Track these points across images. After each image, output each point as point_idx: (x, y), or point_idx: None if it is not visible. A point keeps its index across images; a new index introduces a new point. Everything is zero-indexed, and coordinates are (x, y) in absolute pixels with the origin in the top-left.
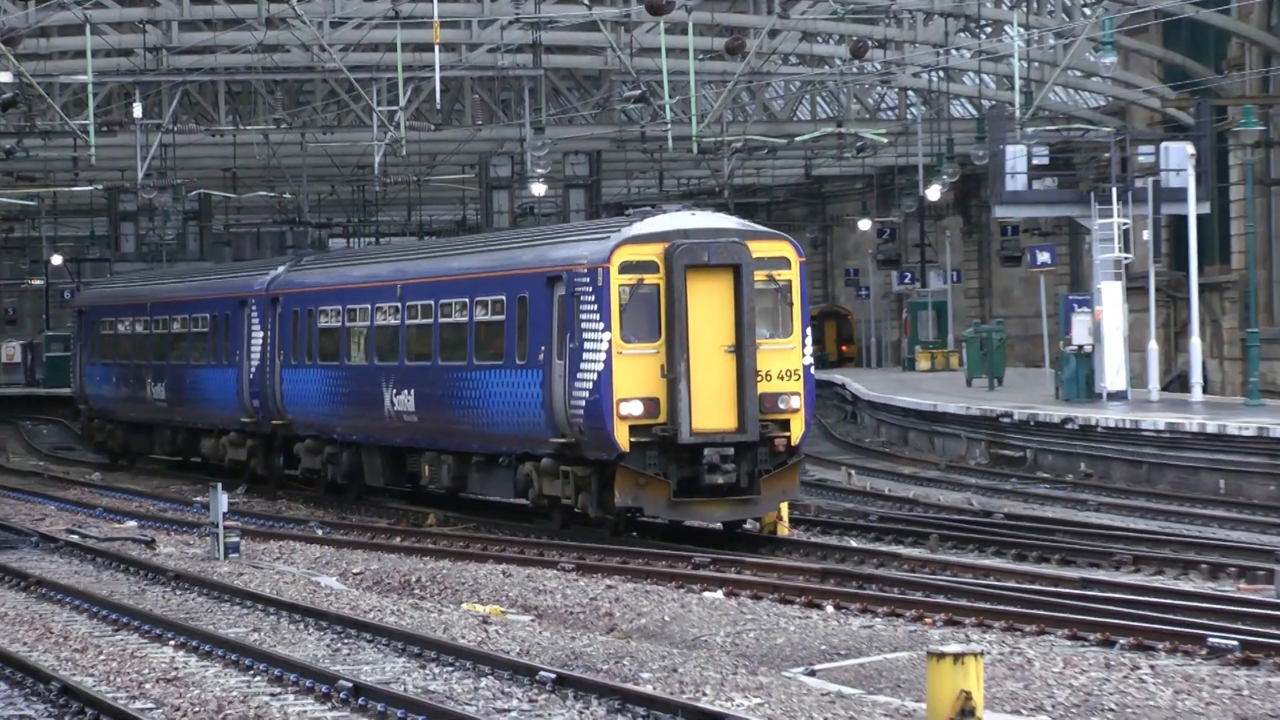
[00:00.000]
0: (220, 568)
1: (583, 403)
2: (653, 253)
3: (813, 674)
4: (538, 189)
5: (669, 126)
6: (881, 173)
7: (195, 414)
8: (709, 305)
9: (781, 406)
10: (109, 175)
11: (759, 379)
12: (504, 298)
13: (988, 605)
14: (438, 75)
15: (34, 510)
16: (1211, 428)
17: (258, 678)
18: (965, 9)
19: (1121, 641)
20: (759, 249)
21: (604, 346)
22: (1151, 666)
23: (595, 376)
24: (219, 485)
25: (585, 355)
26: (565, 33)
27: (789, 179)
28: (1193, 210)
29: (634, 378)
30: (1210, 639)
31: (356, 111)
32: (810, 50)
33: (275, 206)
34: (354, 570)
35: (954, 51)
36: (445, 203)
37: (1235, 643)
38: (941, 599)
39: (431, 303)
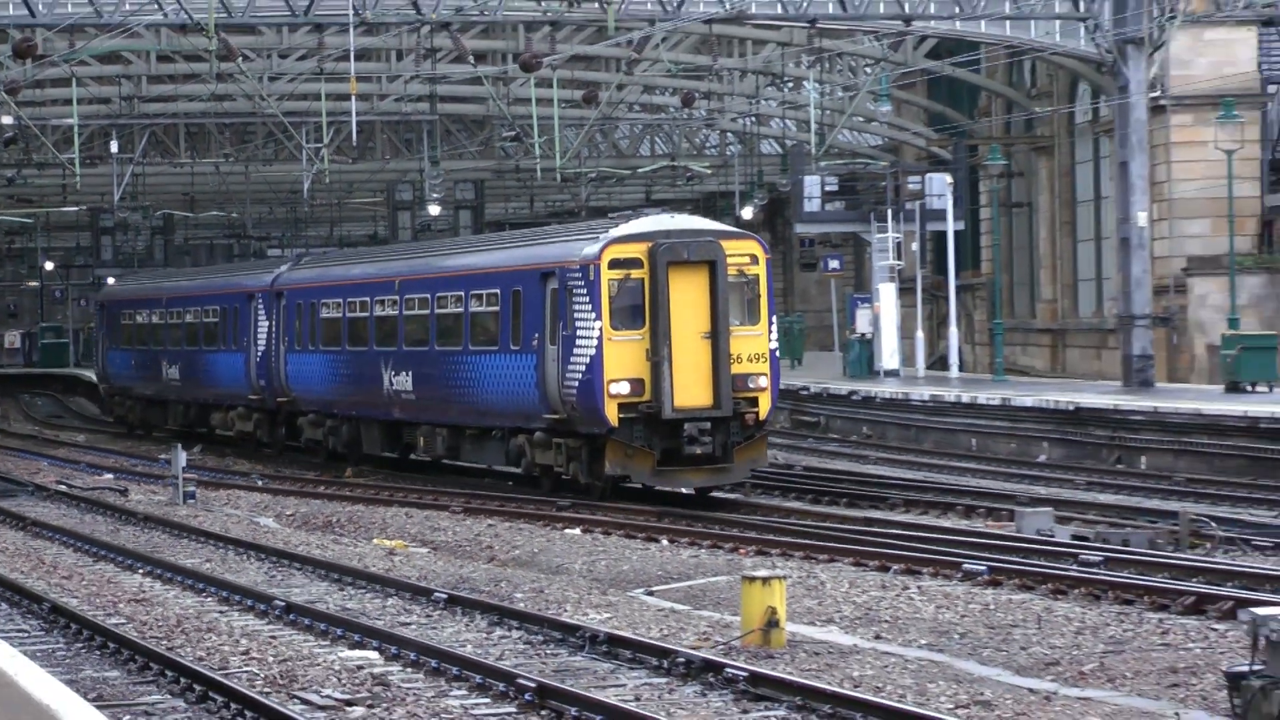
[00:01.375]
0: (179, 511)
1: (576, 383)
2: (638, 250)
3: (651, 594)
4: (434, 210)
5: (538, 160)
6: (706, 197)
7: (206, 392)
8: (688, 297)
9: (751, 386)
10: (91, 198)
11: (731, 361)
12: (498, 291)
13: (789, 539)
14: (354, 119)
15: (30, 465)
16: (966, 398)
17: (209, 598)
18: (772, 68)
19: (895, 567)
20: (731, 247)
21: (595, 333)
22: (919, 587)
23: (588, 360)
24: (179, 445)
25: (578, 341)
26: (456, 86)
27: (633, 202)
28: (950, 227)
29: (622, 361)
30: (965, 565)
31: (289, 148)
32: (650, 100)
33: (225, 223)
34: (287, 513)
35: (763, 101)
36: (360, 220)
37: (984, 568)
38: (753, 534)
39: (428, 295)
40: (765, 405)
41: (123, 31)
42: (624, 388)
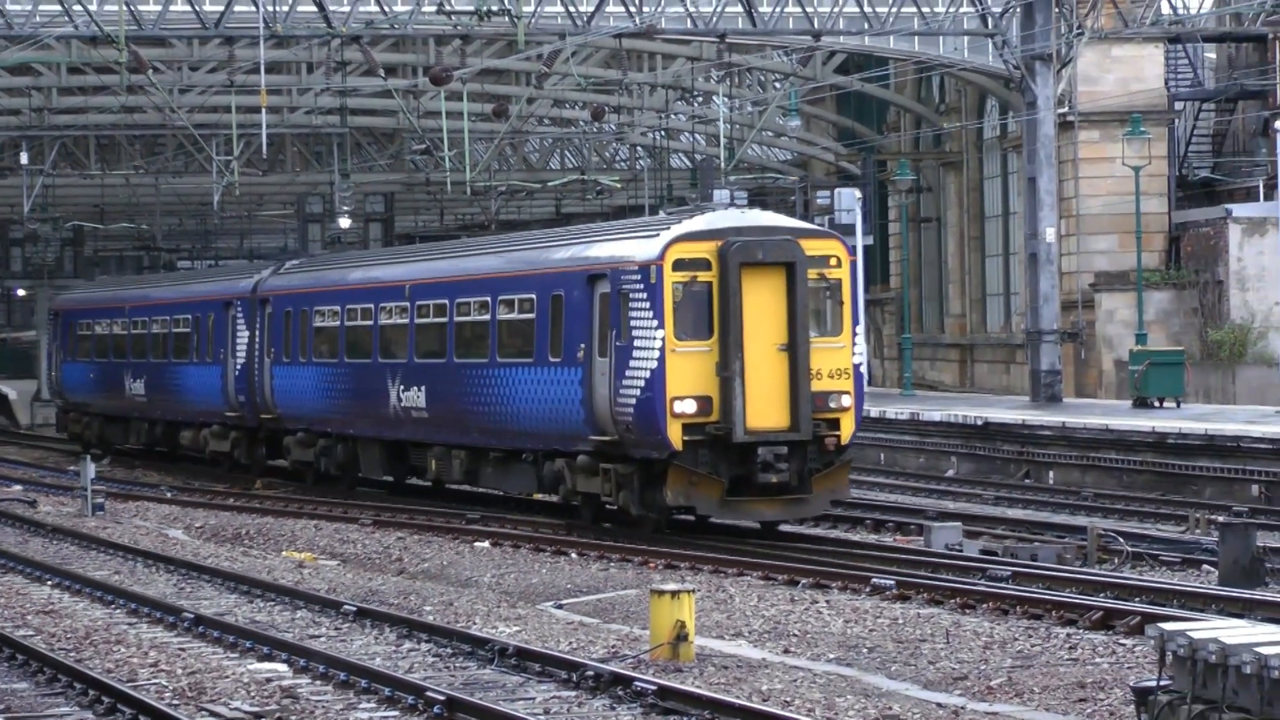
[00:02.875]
0: (89, 523)
1: (632, 401)
2: (706, 250)
3: (560, 607)
4: (344, 222)
5: (448, 173)
6: (616, 211)
7: (175, 408)
8: (762, 303)
9: (832, 405)
10: (2, 209)
11: (811, 378)
12: (533, 296)
13: (698, 553)
14: (264, 132)
15: None
16: (874, 413)
17: (118, 610)
18: (681, 83)
19: (803, 581)
20: (810, 246)
21: (657, 344)
22: (827, 601)
23: (648, 374)
24: (88, 457)
25: (635, 353)
26: (366, 99)
27: (543, 215)
28: (860, 242)
29: (687, 376)
30: (874, 579)
31: (200, 160)
32: (560, 114)
33: (135, 235)
34: (196, 524)
35: (673, 115)
36: (271, 232)
37: (892, 582)
38: (662, 548)
39: (446, 302)
40: (848, 428)
41: (33, 43)
42: (689, 406)
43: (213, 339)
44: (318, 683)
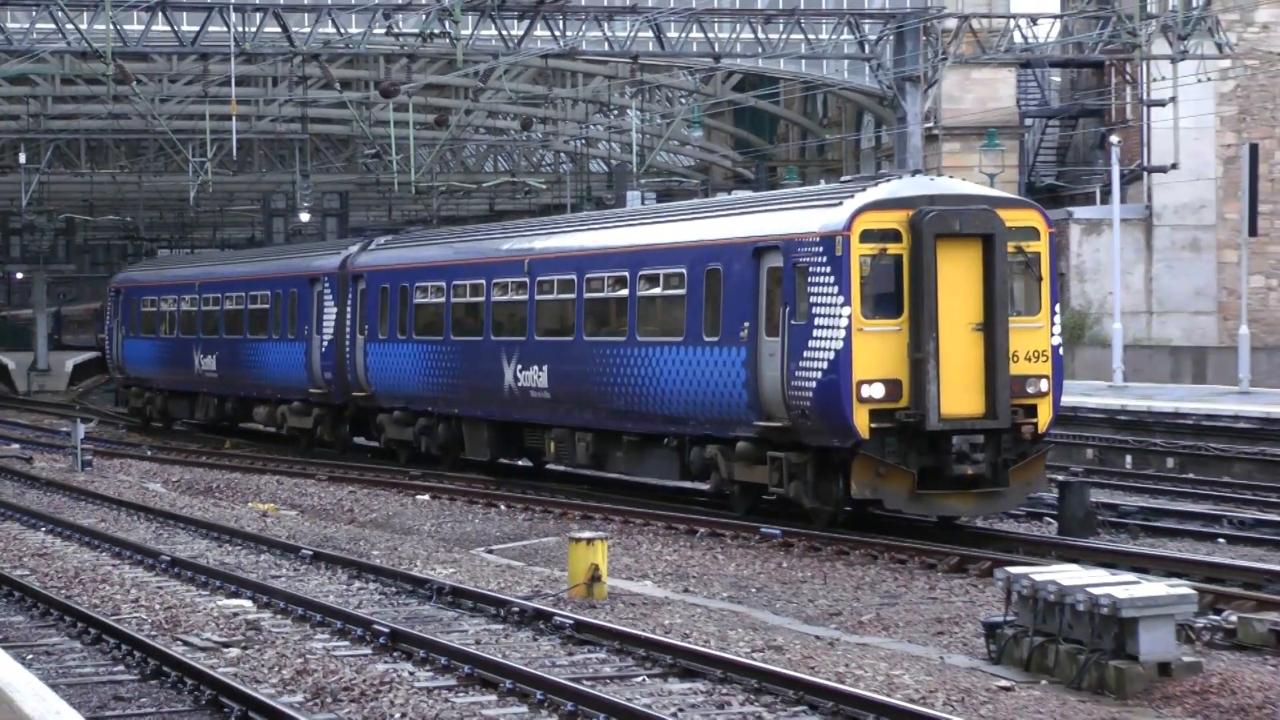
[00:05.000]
0: (78, 477)
1: (811, 384)
2: (896, 220)
3: (490, 552)
4: (304, 216)
5: (395, 175)
6: (543, 209)
7: (250, 385)
8: (957, 279)
9: (1029, 390)
10: (3, 203)
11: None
12: (683, 271)
13: (611, 506)
14: (234, 137)
15: None
16: None
17: (104, 553)
18: (599, 98)
19: (701, 530)
20: (1008, 217)
21: (842, 323)
22: (722, 548)
23: (831, 356)
24: (78, 419)
25: (816, 332)
26: (324, 109)
27: (479, 212)
28: None
29: (875, 358)
30: (762, 529)
31: (177, 161)
32: (493, 124)
33: (120, 226)
34: (173, 479)
35: (592, 126)
36: (239, 225)
37: (778, 532)
38: (577, 501)
39: (573, 277)
40: (1045, 415)
41: (30, 57)
42: (877, 390)
43: (295, 316)
44: (278, 617)
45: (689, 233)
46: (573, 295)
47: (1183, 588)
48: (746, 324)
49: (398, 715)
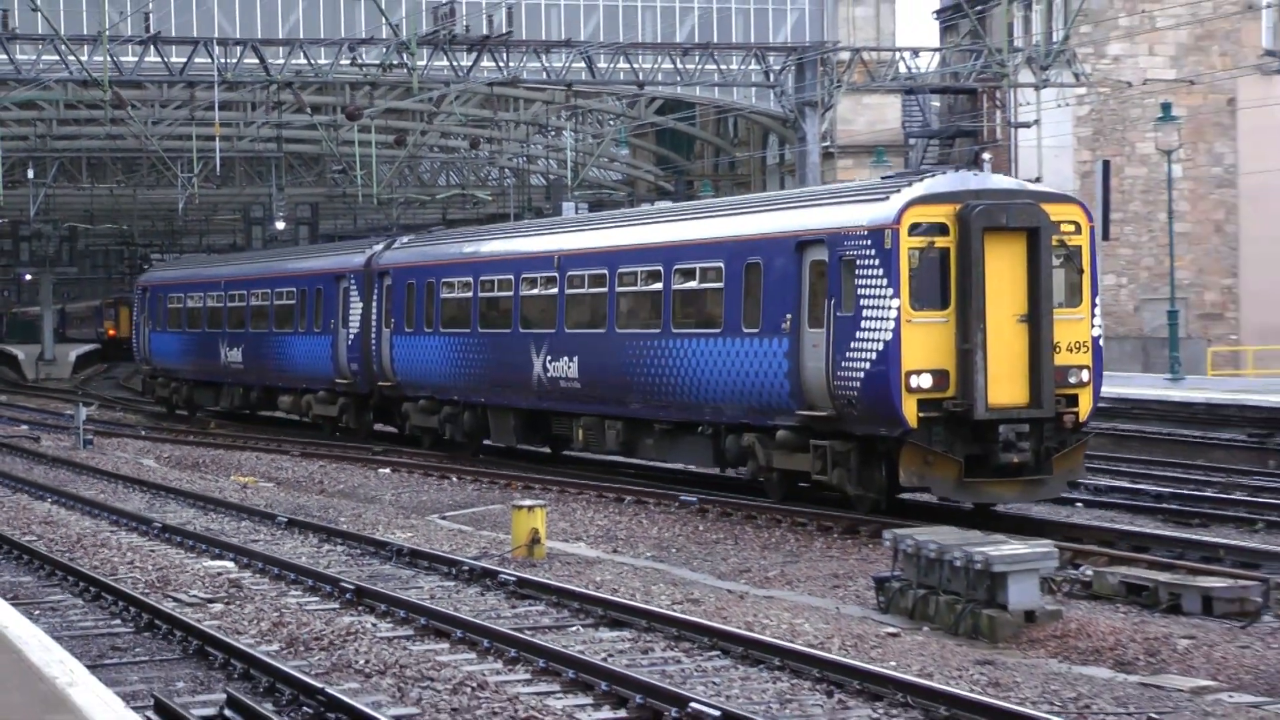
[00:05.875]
0: (80, 454)
1: (860, 374)
2: (943, 214)
3: (444, 518)
4: (280, 225)
5: (359, 188)
6: (490, 218)
7: (275, 375)
8: (1002, 271)
9: (1071, 380)
10: (12, 213)
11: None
12: (721, 265)
13: (549, 478)
14: (218, 155)
15: None
16: None
17: (103, 521)
18: (539, 120)
19: (628, 499)
20: (1052, 212)
21: (891, 315)
22: (646, 514)
23: (880, 347)
24: (80, 403)
25: (864, 324)
26: (297, 130)
27: (432, 222)
28: None
29: (923, 348)
30: (681, 497)
31: (168, 176)
32: (446, 143)
33: (117, 234)
34: (164, 455)
35: (532, 145)
36: (222, 233)
37: (694, 499)
38: (519, 474)
39: (604, 272)
40: (1086, 405)
41: (36, 85)
42: (925, 381)
43: (321, 310)
44: (257, 575)
45: (725, 228)
46: (605, 289)
47: (1046, 546)
48: (789, 316)
49: (361, 662)
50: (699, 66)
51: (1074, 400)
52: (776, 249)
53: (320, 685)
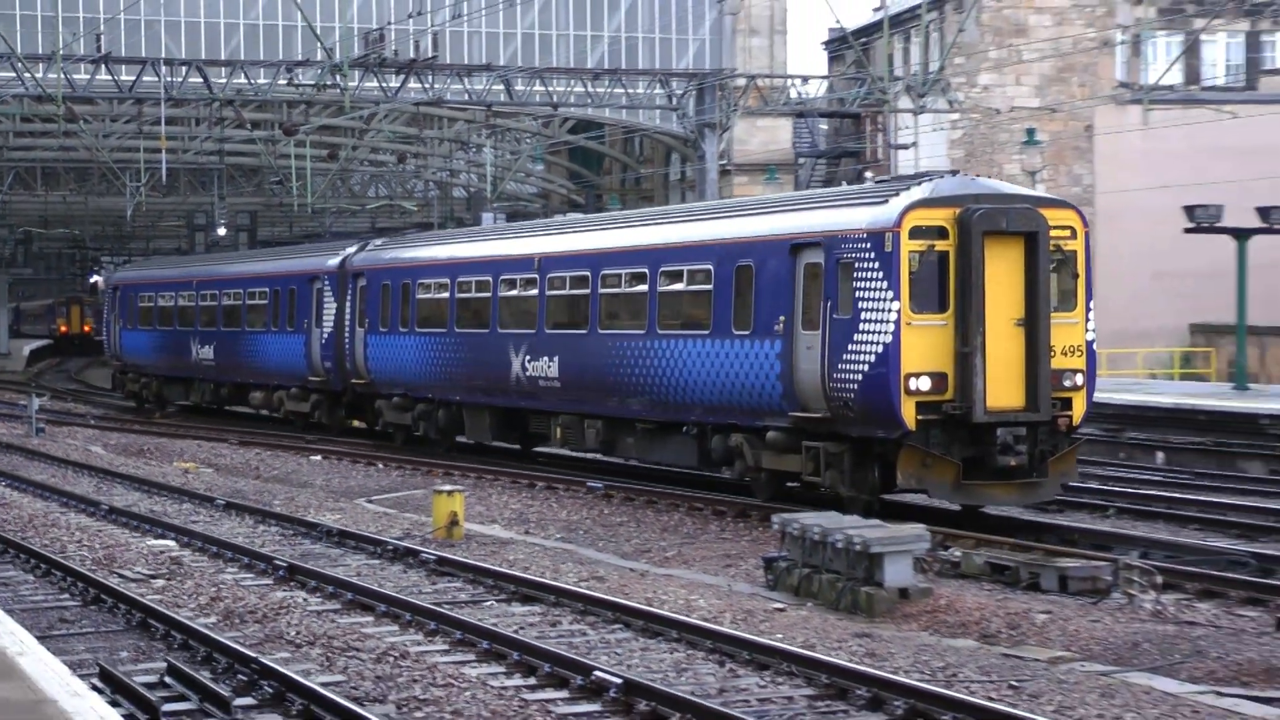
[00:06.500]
0: (33, 441)
1: (858, 376)
2: (943, 217)
3: (370, 502)
4: (221, 231)
5: (295, 198)
6: (416, 226)
7: (247, 372)
8: (1000, 275)
9: (1066, 384)
10: None
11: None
12: (709, 267)
13: (468, 465)
14: (164, 166)
15: None
16: None
17: (54, 503)
18: (461, 137)
19: (540, 485)
20: (1049, 216)
21: (891, 318)
22: (556, 499)
23: (879, 349)
24: (34, 393)
25: (863, 326)
26: (237, 144)
27: (363, 229)
28: None
29: (922, 351)
30: (589, 483)
31: (117, 185)
32: (375, 157)
33: (69, 238)
34: (111, 443)
35: (454, 160)
36: (169, 238)
37: (601, 485)
38: (441, 461)
39: (587, 273)
40: (1080, 408)
41: None
42: (924, 383)
43: (295, 310)
44: (197, 554)
45: (714, 231)
46: (587, 291)
47: (918, 529)
48: (782, 318)
49: (293, 633)
50: (608, 90)
51: (1068, 404)
52: (769, 251)
53: (254, 655)
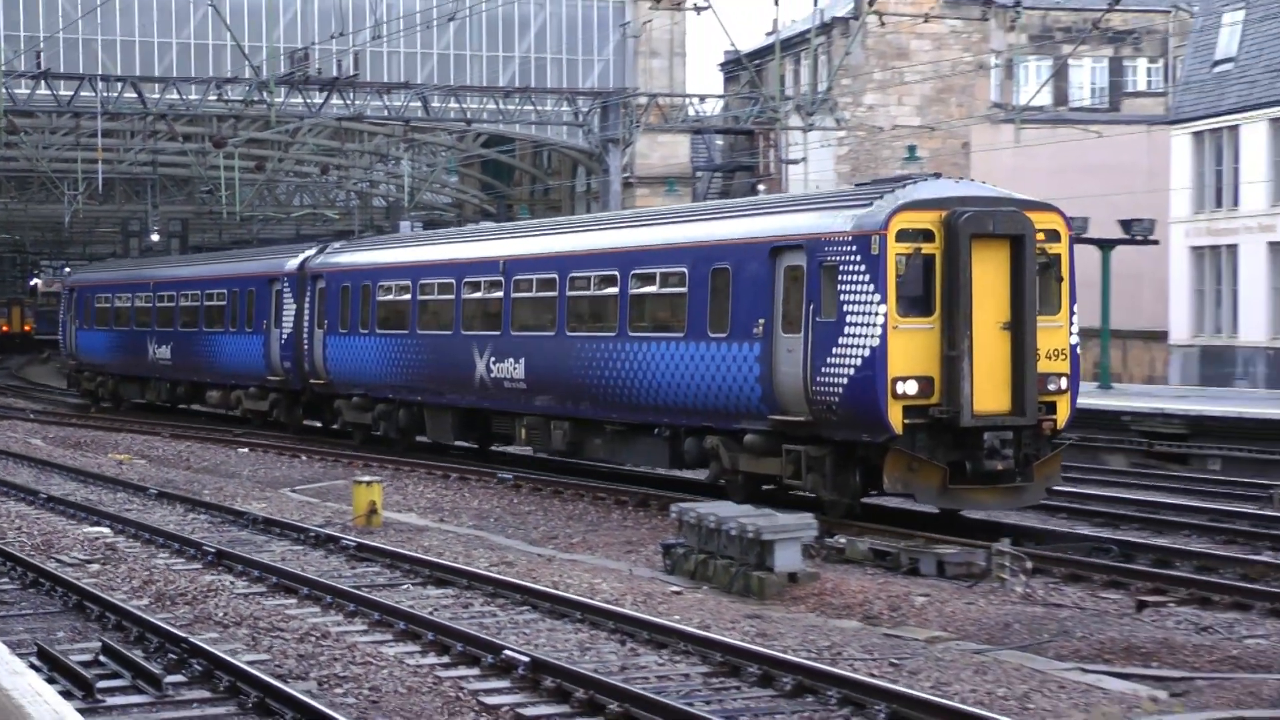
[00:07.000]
0: None
1: (842, 380)
2: (929, 220)
3: (295, 491)
4: (155, 237)
5: (224, 206)
6: (336, 235)
7: (205, 372)
8: (986, 278)
9: (1050, 388)
10: None
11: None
12: (684, 270)
13: (386, 458)
14: (100, 176)
15: None
16: None
17: None
18: (380, 150)
19: (453, 475)
20: (1034, 219)
21: (877, 321)
22: (469, 489)
23: (865, 353)
24: None
25: (848, 330)
26: (170, 156)
27: (288, 235)
28: None
29: (909, 355)
30: (499, 474)
31: (56, 194)
32: (300, 169)
33: (10, 243)
34: (49, 435)
35: (374, 171)
36: (105, 243)
37: (510, 476)
38: (360, 454)
39: (554, 276)
40: (1064, 412)
41: None
42: (911, 387)
43: (254, 311)
44: (130, 540)
45: (688, 233)
46: (554, 293)
47: (807, 518)
48: (761, 320)
49: (221, 614)
50: (519, 107)
51: (1053, 408)
52: (747, 254)
53: (184, 635)
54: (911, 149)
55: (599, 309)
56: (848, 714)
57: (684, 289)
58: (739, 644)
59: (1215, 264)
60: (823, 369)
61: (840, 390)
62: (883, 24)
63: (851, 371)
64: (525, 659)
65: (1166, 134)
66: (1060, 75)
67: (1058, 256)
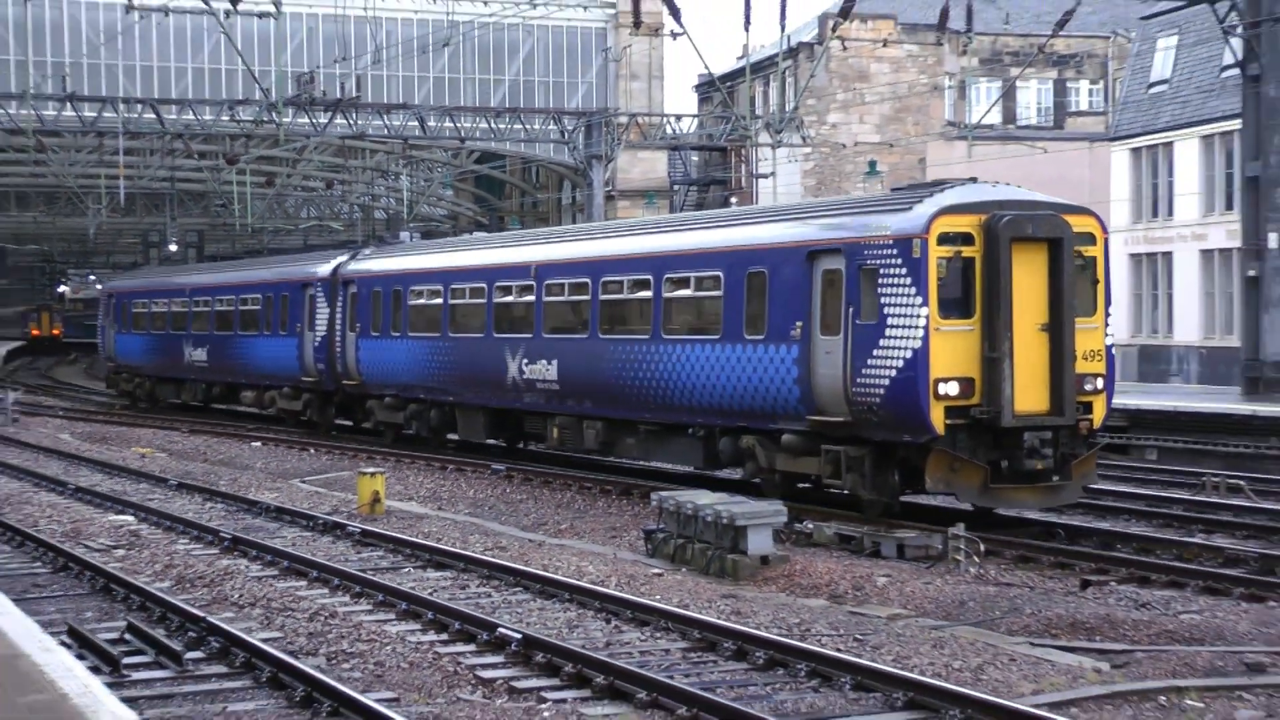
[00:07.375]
0: (9, 429)
1: (883, 382)
2: (970, 224)
3: (304, 482)
4: (173, 248)
5: (237, 219)
6: (339, 244)
7: (240, 373)
8: (1025, 281)
9: (1087, 388)
10: None
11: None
12: (719, 274)
13: (389, 450)
14: (122, 191)
15: None
16: None
17: (27, 483)
18: (381, 166)
19: (450, 467)
20: (1072, 223)
21: (920, 323)
22: (465, 479)
23: (908, 355)
24: (9, 389)
25: (889, 332)
26: (187, 172)
27: (297, 246)
28: None
29: (951, 356)
30: (493, 466)
31: (81, 207)
32: (307, 184)
33: (39, 254)
34: (77, 431)
35: (375, 185)
36: (127, 253)
37: (503, 468)
38: (365, 448)
39: (587, 280)
40: (1100, 411)
41: None
42: (952, 388)
43: (287, 315)
44: (153, 527)
45: (723, 238)
46: (587, 297)
47: (777, 505)
48: (799, 323)
49: (236, 596)
50: (509, 126)
51: (1089, 408)
52: (784, 258)
53: (203, 614)
54: (872, 164)
55: (632, 312)
56: (816, 685)
57: (719, 292)
58: (715, 621)
59: (1152, 270)
60: (863, 370)
61: (881, 391)
62: (845, 49)
63: (893, 373)
64: (518, 636)
65: (1107, 150)
66: (1009, 96)
67: (1094, 259)
